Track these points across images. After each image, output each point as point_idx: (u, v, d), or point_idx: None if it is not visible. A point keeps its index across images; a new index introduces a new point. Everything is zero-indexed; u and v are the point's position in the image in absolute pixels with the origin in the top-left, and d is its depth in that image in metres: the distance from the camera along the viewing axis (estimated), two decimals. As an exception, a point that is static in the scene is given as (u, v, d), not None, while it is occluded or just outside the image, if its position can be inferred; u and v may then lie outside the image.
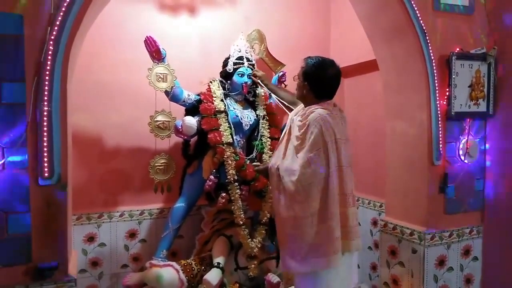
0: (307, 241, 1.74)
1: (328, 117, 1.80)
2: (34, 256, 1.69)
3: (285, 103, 2.51)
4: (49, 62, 1.67)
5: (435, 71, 2.34)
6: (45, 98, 1.67)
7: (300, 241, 1.76)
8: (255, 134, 2.73)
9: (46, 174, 1.68)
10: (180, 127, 2.50)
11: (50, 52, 1.67)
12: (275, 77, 2.98)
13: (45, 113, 1.67)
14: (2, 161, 1.64)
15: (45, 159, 1.67)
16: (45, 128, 1.67)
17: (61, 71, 1.70)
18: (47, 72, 1.67)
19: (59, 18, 1.69)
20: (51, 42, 1.67)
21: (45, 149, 1.67)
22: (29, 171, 1.68)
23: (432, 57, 2.33)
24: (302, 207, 1.75)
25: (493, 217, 2.51)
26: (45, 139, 1.67)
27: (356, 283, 1.96)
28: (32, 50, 1.67)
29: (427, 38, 2.32)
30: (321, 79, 1.90)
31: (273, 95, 2.68)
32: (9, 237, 1.66)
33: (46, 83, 1.67)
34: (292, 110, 2.22)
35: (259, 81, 2.67)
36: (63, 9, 1.69)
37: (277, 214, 1.88)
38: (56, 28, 1.68)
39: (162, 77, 2.41)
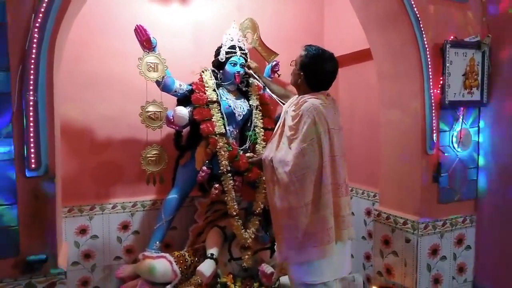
0: (302, 231, 1.74)
1: (321, 107, 1.79)
2: (22, 249, 1.66)
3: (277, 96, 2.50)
4: (34, 50, 1.62)
5: (429, 59, 2.32)
6: (31, 87, 1.62)
7: (295, 231, 1.75)
8: (248, 125, 2.70)
9: (33, 166, 1.64)
10: (171, 117, 2.46)
11: (35, 40, 1.62)
12: (268, 67, 2.95)
13: (31, 103, 1.63)
14: (-12, 152, 1.60)
15: (32, 150, 1.63)
16: (31, 118, 1.63)
17: (46, 59, 1.65)
18: (32, 61, 1.62)
19: (44, 5, 1.63)
20: (35, 30, 1.63)
21: (32, 139, 1.63)
22: (15, 162, 1.64)
23: (426, 45, 2.31)
24: (296, 197, 1.74)
25: (486, 206, 2.52)
26: (31, 129, 1.63)
27: (349, 272, 1.96)
28: (16, 38, 1.62)
29: (421, 26, 2.30)
30: (317, 73, 1.88)
31: (266, 88, 2.66)
32: (-4, 229, 1.62)
33: (31, 71, 1.62)
34: (284, 103, 2.20)
35: (252, 72, 2.63)
36: (48, -6, 1.64)
37: (272, 206, 1.87)
38: (40, 15, 1.63)
39: (153, 66, 2.37)
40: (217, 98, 2.57)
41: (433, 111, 2.35)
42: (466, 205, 2.54)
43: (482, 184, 2.54)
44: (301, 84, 1.92)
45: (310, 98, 1.83)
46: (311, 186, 1.74)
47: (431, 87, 2.34)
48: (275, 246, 2.11)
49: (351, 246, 1.98)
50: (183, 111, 2.47)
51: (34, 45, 1.62)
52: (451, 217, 2.47)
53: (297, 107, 1.83)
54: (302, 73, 1.89)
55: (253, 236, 2.54)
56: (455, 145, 2.45)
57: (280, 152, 1.83)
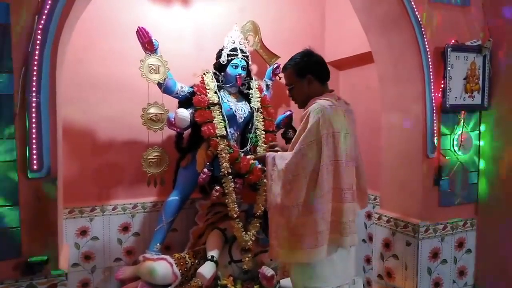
0: (292, 231, 1.72)
1: (329, 109, 1.75)
2: (23, 250, 1.66)
3: None
4: (37, 52, 1.62)
5: (430, 63, 2.32)
6: (34, 89, 1.62)
7: (285, 230, 1.74)
8: (249, 127, 2.70)
9: (35, 167, 1.64)
10: (173, 119, 2.47)
11: (38, 42, 1.63)
12: (269, 69, 2.96)
13: (34, 104, 1.63)
14: (-10, 153, 1.60)
15: (34, 152, 1.63)
16: (33, 120, 1.63)
17: (49, 61, 1.65)
18: (35, 62, 1.62)
19: (47, 7, 1.64)
20: (39, 31, 1.63)
21: (34, 141, 1.63)
22: (18, 164, 1.64)
23: (427, 49, 2.32)
24: (289, 196, 1.73)
25: (486, 210, 2.52)
26: (33, 131, 1.63)
27: (352, 278, 1.94)
28: (19, 40, 1.62)
29: (423, 29, 2.30)
30: (317, 64, 1.89)
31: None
32: (-2, 231, 1.62)
33: (34, 73, 1.62)
34: None
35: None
36: (51, -3, 1.65)
37: (269, 203, 1.85)
38: (44, 16, 1.63)
39: (154, 68, 2.38)
40: (219, 100, 2.57)
41: (434, 114, 2.35)
42: (467, 208, 2.53)
43: (482, 187, 2.54)
44: (312, 88, 1.87)
45: (320, 99, 1.80)
46: (304, 187, 1.71)
47: (432, 90, 2.34)
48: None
49: (354, 252, 1.96)
50: (185, 113, 2.47)
51: (37, 47, 1.62)
52: (451, 220, 2.46)
53: (306, 108, 1.82)
54: (309, 75, 1.86)
55: (253, 239, 2.54)
56: (456, 149, 2.45)
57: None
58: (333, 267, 1.76)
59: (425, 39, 2.31)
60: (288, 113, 2.89)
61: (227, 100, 2.63)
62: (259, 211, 2.58)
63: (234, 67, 2.63)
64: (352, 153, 1.85)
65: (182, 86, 2.56)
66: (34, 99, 1.63)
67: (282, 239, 1.76)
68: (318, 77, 1.88)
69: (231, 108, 2.61)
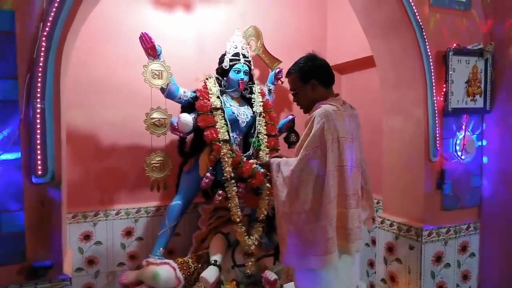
0: (302, 238, 1.72)
1: (334, 114, 1.73)
2: (28, 255, 1.68)
3: None
4: (41, 59, 1.64)
5: (432, 67, 2.33)
6: (38, 95, 1.64)
7: (295, 237, 1.73)
8: (252, 131, 2.71)
9: (39, 172, 1.66)
10: (176, 124, 2.48)
11: (42, 49, 1.65)
12: (271, 74, 2.97)
13: (38, 110, 1.64)
14: (-5, 159, 1.62)
15: (39, 157, 1.65)
16: (38, 126, 1.65)
17: (54, 67, 1.68)
18: (40, 69, 1.64)
19: (52, 14, 1.66)
20: (43, 38, 1.65)
21: (39, 146, 1.65)
22: (22, 169, 1.66)
23: (429, 53, 2.32)
24: (296, 203, 1.72)
25: (490, 213, 2.51)
26: (38, 136, 1.65)
27: (357, 284, 1.92)
28: (24, 47, 1.64)
29: (424, 33, 2.31)
30: (320, 68, 1.87)
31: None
32: (2, 235, 1.64)
33: (39, 80, 1.64)
34: None
35: None
36: (56, 4, 1.66)
37: (276, 208, 1.85)
38: (48, 24, 1.66)
39: (157, 73, 2.39)
40: (221, 105, 2.58)
41: (436, 118, 2.35)
42: (470, 212, 2.53)
43: (485, 191, 2.53)
44: (316, 93, 1.86)
45: (325, 104, 1.79)
46: (310, 194, 1.70)
47: (434, 94, 2.34)
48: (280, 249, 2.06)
49: (359, 258, 1.95)
50: (188, 118, 2.48)
51: (42, 54, 1.65)
52: (454, 224, 2.46)
53: (311, 112, 1.81)
54: (313, 80, 1.84)
55: (256, 243, 2.54)
56: (459, 152, 2.45)
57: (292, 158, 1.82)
58: (337, 273, 1.75)
59: (427, 43, 2.31)
60: (291, 117, 2.90)
61: (230, 105, 2.64)
62: (262, 215, 2.58)
63: (236, 72, 2.64)
64: (358, 158, 1.84)
65: (185, 91, 2.57)
66: (38, 106, 1.65)
67: (292, 245, 1.75)
68: (322, 82, 1.86)
69: (234, 113, 2.62)
